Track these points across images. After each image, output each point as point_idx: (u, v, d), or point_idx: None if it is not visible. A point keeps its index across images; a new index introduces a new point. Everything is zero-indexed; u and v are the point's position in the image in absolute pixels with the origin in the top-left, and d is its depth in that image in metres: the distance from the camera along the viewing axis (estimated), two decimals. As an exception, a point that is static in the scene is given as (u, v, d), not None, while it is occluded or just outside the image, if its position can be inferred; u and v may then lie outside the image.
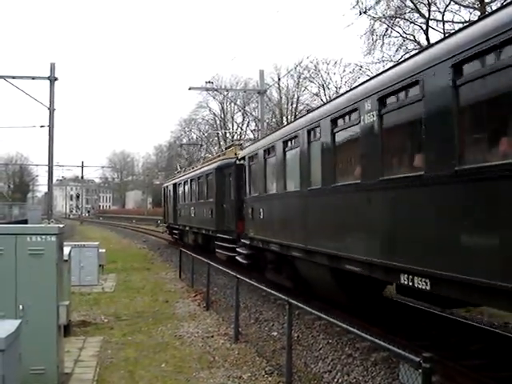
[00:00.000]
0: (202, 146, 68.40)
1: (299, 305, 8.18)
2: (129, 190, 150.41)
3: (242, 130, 76.25)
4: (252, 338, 10.76)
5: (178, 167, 45.95)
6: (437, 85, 7.25)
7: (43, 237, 7.78)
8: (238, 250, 18.55)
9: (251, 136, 68.44)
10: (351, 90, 11.15)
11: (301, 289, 13.53)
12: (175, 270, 21.44)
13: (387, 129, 8.68)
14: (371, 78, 9.94)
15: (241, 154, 19.23)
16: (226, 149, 26.21)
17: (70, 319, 10.48)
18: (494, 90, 6.59)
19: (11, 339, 5.36)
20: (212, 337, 10.87)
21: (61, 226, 8.82)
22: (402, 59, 10.83)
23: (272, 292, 10.28)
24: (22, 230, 8.19)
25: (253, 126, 70.96)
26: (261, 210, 15.63)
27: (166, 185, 41.67)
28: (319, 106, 13.56)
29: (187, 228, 30.44)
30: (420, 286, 7.63)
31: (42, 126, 33.94)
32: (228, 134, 77.40)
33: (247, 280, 11.73)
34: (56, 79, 30.86)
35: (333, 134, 10.53)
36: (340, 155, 10.73)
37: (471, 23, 7.32)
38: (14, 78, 30.42)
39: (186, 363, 9.05)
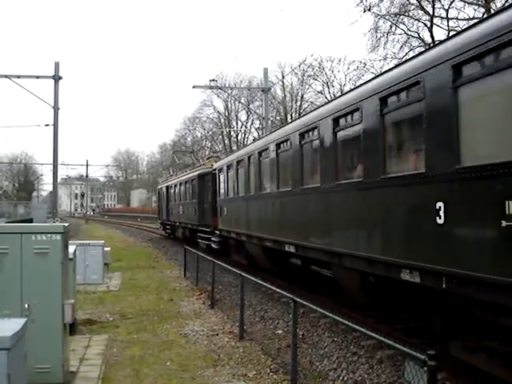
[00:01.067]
0: (192, 152, 70.33)
1: (304, 303, 8.18)
2: (133, 189, 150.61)
3: (246, 128, 76.35)
4: (257, 335, 10.77)
5: (171, 171, 49.60)
6: (370, 112, 9.11)
7: (48, 235, 7.80)
8: (212, 239, 24.17)
9: (255, 134, 68.53)
10: (299, 117, 17.36)
11: (251, 263, 19.19)
12: (180, 269, 21.45)
13: (340, 144, 10.83)
14: (315, 109, 14.67)
15: (214, 166, 24.99)
16: (207, 159, 31.90)
17: (76, 318, 10.50)
18: (402, 116, 8.61)
19: (17, 338, 5.38)
20: (217, 335, 10.88)
21: (66, 224, 8.84)
22: (329, 100, 18.90)
23: (277, 290, 10.29)
24: (28, 228, 8.21)
25: (257, 124, 71.01)
26: (225, 208, 21.68)
27: (160, 186, 46.69)
28: (259, 138, 23.77)
29: (177, 223, 35.74)
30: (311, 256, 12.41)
31: (46, 125, 34.05)
32: (232, 132, 77.49)
33: (252, 278, 11.72)
34: (60, 78, 30.97)
35: (277, 155, 14.69)
36: (264, 174, 16.32)
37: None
38: (18, 77, 30.52)
39: (191, 361, 9.06)
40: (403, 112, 8.47)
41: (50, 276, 7.71)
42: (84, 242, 18.72)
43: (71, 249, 9.95)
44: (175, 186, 36.40)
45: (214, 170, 24.37)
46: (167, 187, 40.18)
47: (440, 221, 7.06)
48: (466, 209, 6.68)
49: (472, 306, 7.12)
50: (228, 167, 21.31)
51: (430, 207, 7.22)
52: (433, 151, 7.42)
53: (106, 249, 19.11)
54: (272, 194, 15.11)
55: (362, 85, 10.30)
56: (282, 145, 14.31)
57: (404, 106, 8.38)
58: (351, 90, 11.11)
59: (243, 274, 11.56)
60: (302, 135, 12.65)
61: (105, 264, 18.92)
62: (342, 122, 10.48)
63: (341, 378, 8.13)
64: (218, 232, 23.25)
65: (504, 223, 5.96)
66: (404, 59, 10.63)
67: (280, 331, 11.03)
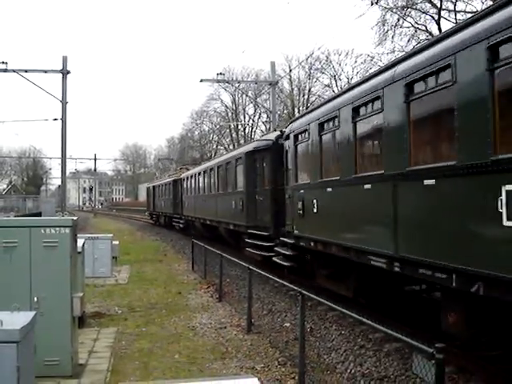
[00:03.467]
0: (172, 161, 77.52)
1: (312, 296, 8.19)
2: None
3: (253, 121, 76.14)
4: (265, 328, 10.80)
5: (157, 174, 64.83)
6: (346, 123, 10.65)
7: (57, 229, 7.84)
8: (174, 223, 38.32)
9: (263, 128, 68.45)
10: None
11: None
12: (188, 262, 21.51)
13: (326, 149, 12.15)
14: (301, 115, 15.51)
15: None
16: (179, 169, 44.03)
17: (84, 311, 10.57)
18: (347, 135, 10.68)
19: (26, 331, 5.42)
20: (225, 328, 10.91)
21: (74, 218, 8.87)
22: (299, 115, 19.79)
23: (284, 283, 10.31)
24: (37, 222, 8.25)
25: (264, 117, 70.79)
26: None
27: (148, 186, 63.01)
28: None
29: (160, 213, 48.90)
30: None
31: (54, 119, 34.07)
32: (240, 126, 77.37)
33: (259, 271, 11.74)
34: (68, 72, 30.95)
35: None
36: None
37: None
38: (26, 71, 30.52)
39: (199, 354, 9.10)
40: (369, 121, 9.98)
41: (59, 269, 7.76)
42: (92, 236, 18.79)
43: (80, 242, 9.99)
44: (159, 186, 49.26)
45: (181, 178, 37.29)
46: (153, 187, 53.13)
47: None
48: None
49: None
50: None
51: None
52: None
53: (114, 242, 19.19)
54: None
55: (339, 95, 11.94)
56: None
57: (370, 116, 9.77)
58: (331, 100, 12.40)
59: (251, 267, 11.58)
60: None
61: (113, 257, 19.01)
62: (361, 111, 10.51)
63: (348, 371, 8.14)
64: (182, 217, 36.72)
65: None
66: (368, 75, 11.25)
67: (288, 324, 11.04)
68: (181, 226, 37.33)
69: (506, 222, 6.03)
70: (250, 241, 18.41)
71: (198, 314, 12.27)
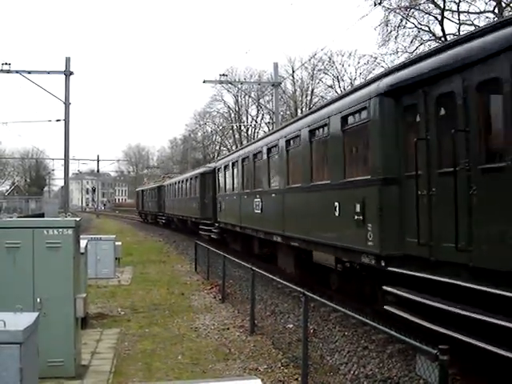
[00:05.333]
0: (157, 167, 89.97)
1: (315, 297, 8.17)
2: (151, 182, 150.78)
3: (256, 122, 76.09)
4: (268, 330, 10.78)
5: (145, 180, 77.84)
6: (305, 140, 13.37)
7: (60, 230, 7.84)
8: (158, 219, 50.29)
9: (266, 129, 68.41)
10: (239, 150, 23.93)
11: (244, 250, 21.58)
12: (191, 263, 21.52)
13: (289, 159, 14.93)
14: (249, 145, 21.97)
15: (165, 182, 38.01)
16: (163, 177, 56.47)
17: (87, 312, 10.56)
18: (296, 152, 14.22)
19: (29, 332, 5.41)
20: (228, 329, 10.90)
21: (77, 219, 8.87)
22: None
23: (287, 284, 10.29)
24: (39, 223, 8.26)
25: (267, 118, 70.80)
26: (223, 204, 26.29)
27: (137, 189, 74.80)
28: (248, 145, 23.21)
29: (148, 212, 60.43)
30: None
31: (57, 120, 34.09)
32: (243, 127, 77.36)
33: (263, 272, 11.73)
34: (71, 73, 31.01)
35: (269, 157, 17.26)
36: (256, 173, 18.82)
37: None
38: (29, 72, 30.59)
39: (202, 355, 9.09)
40: (320, 142, 12.63)
41: (62, 270, 7.76)
42: (95, 237, 18.80)
43: (83, 243, 9.99)
44: (146, 190, 60.99)
45: (164, 185, 48.04)
46: (142, 190, 65.13)
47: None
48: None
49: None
50: (223, 168, 25.45)
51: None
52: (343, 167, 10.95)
53: (117, 243, 19.18)
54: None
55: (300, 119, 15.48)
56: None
57: (320, 139, 12.54)
58: (273, 133, 18.50)
59: (254, 268, 11.57)
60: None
61: (116, 258, 19.00)
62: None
63: (352, 372, 8.12)
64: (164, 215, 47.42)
65: (355, 217, 9.99)
66: (315, 107, 16.59)
67: (291, 325, 11.03)
68: (163, 221, 48.93)
69: (337, 215, 10.90)
70: (202, 227, 29.48)
71: (201, 315, 12.26)
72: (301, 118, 14.97)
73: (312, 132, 12.72)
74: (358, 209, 9.86)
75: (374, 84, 9.74)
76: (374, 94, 9.45)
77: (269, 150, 16.62)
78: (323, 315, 11.62)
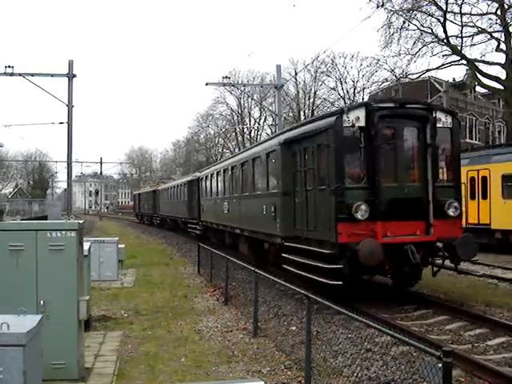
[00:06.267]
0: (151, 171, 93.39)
1: (318, 299, 8.15)
2: (147, 186, 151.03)
3: (259, 125, 76.24)
4: (271, 332, 10.76)
5: (142, 184, 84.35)
6: (250, 164, 19.47)
7: (63, 232, 7.85)
8: (153, 220, 57.26)
9: (268, 131, 68.47)
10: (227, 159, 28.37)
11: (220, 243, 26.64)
12: (194, 265, 21.51)
13: (243, 175, 20.82)
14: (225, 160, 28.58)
15: (198, 175, 35.87)
16: (157, 182, 61.31)
17: (91, 314, 10.57)
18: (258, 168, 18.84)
19: (32, 334, 5.41)
20: (231, 331, 10.89)
21: (80, 221, 8.88)
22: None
23: (291, 287, 10.27)
24: (42, 225, 8.25)
25: (270, 120, 70.91)
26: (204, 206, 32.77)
27: (135, 193, 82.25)
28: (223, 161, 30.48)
29: (144, 214, 65.71)
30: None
31: (60, 123, 34.10)
32: (245, 129, 77.44)
33: (266, 275, 11.71)
34: (74, 76, 31.03)
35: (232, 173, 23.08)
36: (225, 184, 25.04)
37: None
38: (32, 75, 30.61)
39: (205, 357, 9.09)
40: (260, 166, 18.11)
41: (65, 273, 7.76)
42: (98, 239, 18.80)
43: (86, 245, 10.00)
44: (143, 193, 66.86)
45: (158, 189, 53.09)
46: (139, 194, 71.58)
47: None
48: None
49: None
50: (204, 178, 31.25)
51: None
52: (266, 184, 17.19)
53: (120, 246, 19.18)
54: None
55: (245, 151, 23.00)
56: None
57: (257, 164, 18.38)
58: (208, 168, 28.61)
59: (257, 270, 11.56)
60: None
61: (119, 261, 19.00)
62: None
63: (355, 375, 8.10)
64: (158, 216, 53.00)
65: (272, 214, 16.05)
66: (263, 139, 21.91)
67: (294, 328, 11.01)
68: (158, 221, 54.23)
69: (264, 213, 16.67)
70: (190, 225, 35.19)
71: (204, 317, 12.26)
72: (250, 149, 22.17)
73: (253, 159, 18.95)
74: (272, 209, 15.87)
75: (280, 136, 16.22)
76: (277, 143, 15.79)
77: (232, 168, 22.76)
78: (326, 317, 11.60)
